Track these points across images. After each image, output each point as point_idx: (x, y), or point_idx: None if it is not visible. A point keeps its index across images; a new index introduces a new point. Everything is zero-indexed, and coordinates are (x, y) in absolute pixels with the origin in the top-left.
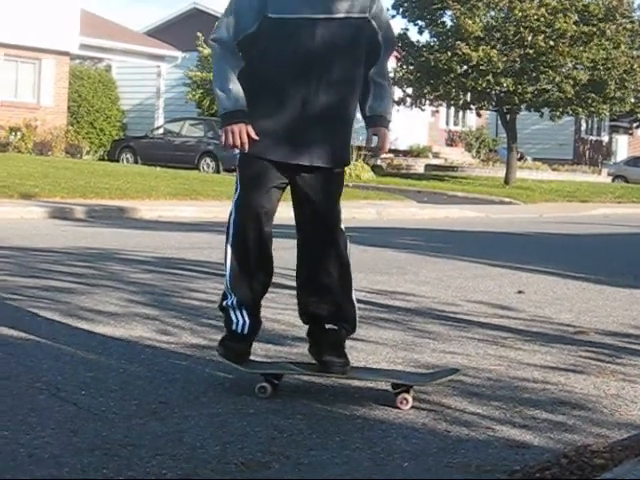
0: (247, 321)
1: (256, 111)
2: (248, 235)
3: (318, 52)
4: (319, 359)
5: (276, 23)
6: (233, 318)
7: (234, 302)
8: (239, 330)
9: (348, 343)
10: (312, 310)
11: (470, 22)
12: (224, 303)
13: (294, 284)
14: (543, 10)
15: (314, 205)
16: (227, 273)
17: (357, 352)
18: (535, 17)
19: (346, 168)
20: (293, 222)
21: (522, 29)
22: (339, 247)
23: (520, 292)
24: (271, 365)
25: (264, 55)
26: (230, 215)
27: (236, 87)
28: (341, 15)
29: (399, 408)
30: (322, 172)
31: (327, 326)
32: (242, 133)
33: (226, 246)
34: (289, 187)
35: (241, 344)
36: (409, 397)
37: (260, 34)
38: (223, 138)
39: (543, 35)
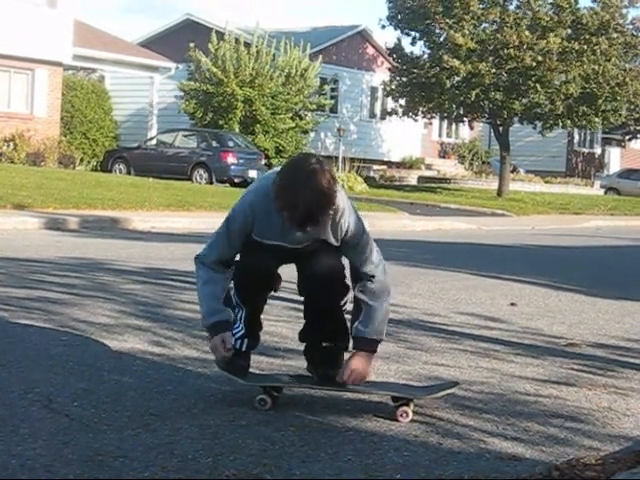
0: (245, 340)
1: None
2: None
3: (293, 257)
4: (318, 373)
5: (257, 241)
6: (234, 331)
7: (243, 315)
8: (237, 346)
9: None
10: (312, 337)
11: (458, 35)
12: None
13: (286, 296)
14: (527, 33)
15: (314, 255)
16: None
17: None
18: (518, 42)
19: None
20: None
21: (509, 49)
22: (340, 310)
23: (512, 304)
24: (270, 378)
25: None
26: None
27: (210, 302)
28: (311, 242)
29: (399, 421)
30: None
31: (323, 344)
32: (218, 347)
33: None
34: None
35: (239, 358)
36: (409, 410)
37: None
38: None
39: (530, 52)
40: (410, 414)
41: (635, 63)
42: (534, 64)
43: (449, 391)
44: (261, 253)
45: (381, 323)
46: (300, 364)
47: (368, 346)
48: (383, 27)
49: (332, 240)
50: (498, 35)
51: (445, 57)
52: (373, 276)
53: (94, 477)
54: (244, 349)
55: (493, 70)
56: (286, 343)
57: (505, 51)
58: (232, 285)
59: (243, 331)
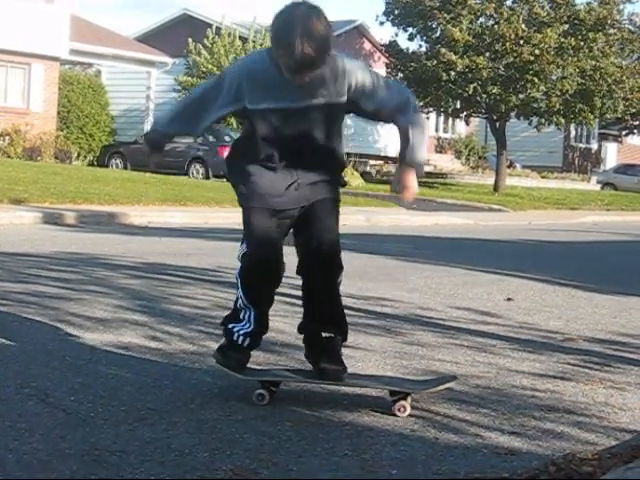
0: (248, 338)
1: (248, 175)
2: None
3: (293, 133)
4: (316, 367)
5: (254, 113)
6: (239, 328)
7: (252, 315)
8: (239, 342)
9: None
10: (311, 327)
11: (455, 30)
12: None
13: (283, 291)
14: (523, 26)
15: (314, 230)
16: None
17: (346, 359)
18: (512, 37)
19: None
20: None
21: (505, 43)
22: (337, 287)
23: (509, 299)
24: (268, 373)
25: (247, 133)
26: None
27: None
28: (315, 102)
29: (396, 415)
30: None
31: (323, 334)
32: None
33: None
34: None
35: (240, 354)
36: (407, 404)
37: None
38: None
39: (528, 45)
40: (408, 408)
41: (632, 59)
42: (532, 58)
43: (447, 385)
44: (268, 241)
45: (416, 143)
46: (297, 359)
47: (409, 163)
48: (381, 24)
49: (336, 97)
50: (495, 27)
51: (443, 50)
52: (394, 100)
53: (91, 472)
54: (245, 346)
55: (490, 64)
56: (282, 337)
57: (501, 45)
58: (239, 284)
59: (250, 329)
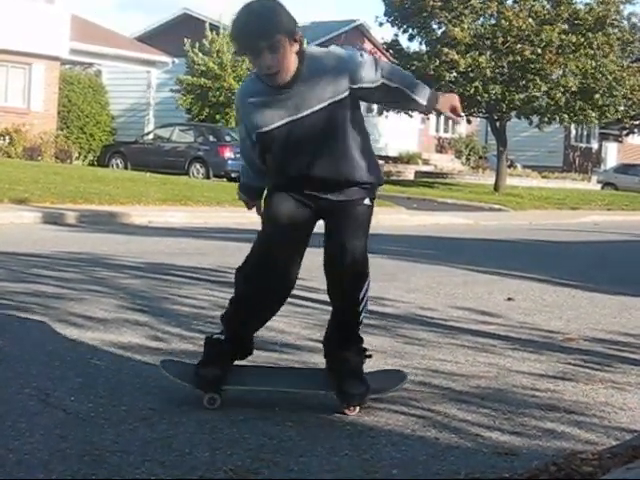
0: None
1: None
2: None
3: (301, 141)
4: (340, 389)
5: (263, 135)
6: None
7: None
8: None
9: None
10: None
11: (457, 30)
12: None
13: None
14: (530, 20)
15: (337, 239)
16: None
17: None
18: (522, 27)
19: None
20: None
21: (509, 38)
22: (360, 303)
23: (510, 299)
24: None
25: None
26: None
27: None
28: (318, 107)
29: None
30: (343, 205)
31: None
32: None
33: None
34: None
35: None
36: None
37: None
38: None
39: (530, 43)
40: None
41: (632, 58)
42: (534, 57)
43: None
44: (284, 243)
45: (415, 91)
46: (297, 358)
47: (431, 107)
48: (380, 24)
49: (330, 92)
50: (503, 21)
51: (445, 49)
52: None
53: (91, 472)
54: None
55: (492, 63)
56: (282, 337)
57: (506, 38)
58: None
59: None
